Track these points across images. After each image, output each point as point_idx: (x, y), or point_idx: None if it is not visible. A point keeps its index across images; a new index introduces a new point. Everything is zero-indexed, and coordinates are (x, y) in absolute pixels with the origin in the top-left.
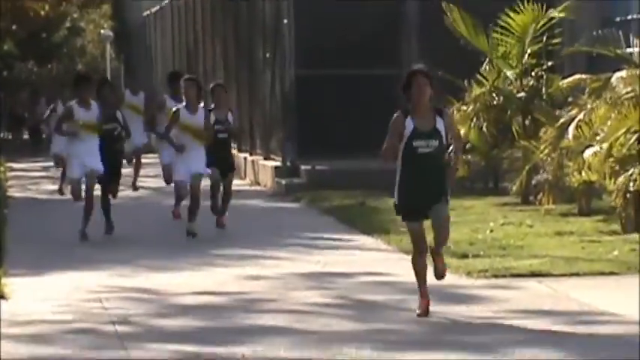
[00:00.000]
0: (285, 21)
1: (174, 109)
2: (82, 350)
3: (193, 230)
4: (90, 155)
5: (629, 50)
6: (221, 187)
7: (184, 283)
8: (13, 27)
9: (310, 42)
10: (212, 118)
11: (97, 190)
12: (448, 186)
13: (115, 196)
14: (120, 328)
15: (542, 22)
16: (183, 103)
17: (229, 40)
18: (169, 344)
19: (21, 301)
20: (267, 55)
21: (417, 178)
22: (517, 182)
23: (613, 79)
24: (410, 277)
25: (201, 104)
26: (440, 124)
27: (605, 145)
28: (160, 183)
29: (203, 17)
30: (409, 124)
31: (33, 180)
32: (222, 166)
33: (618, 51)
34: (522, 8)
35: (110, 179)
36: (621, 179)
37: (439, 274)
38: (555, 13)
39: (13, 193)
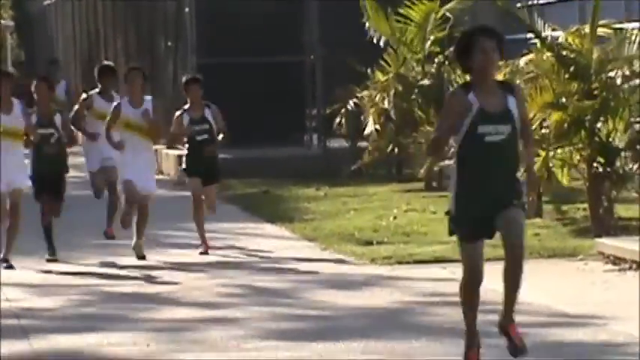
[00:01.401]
0: (187, 9)
1: (114, 103)
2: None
3: (142, 253)
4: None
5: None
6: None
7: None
8: None
9: (212, 30)
10: (186, 118)
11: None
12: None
13: (57, 215)
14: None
15: (440, 13)
16: (125, 98)
17: (130, 29)
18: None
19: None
20: (169, 43)
21: (484, 179)
22: (424, 168)
23: (521, 63)
24: (313, 264)
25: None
26: (512, 104)
27: None
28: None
29: (104, 6)
30: (473, 103)
31: None
32: (206, 174)
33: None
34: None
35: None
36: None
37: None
38: (451, 4)
39: None
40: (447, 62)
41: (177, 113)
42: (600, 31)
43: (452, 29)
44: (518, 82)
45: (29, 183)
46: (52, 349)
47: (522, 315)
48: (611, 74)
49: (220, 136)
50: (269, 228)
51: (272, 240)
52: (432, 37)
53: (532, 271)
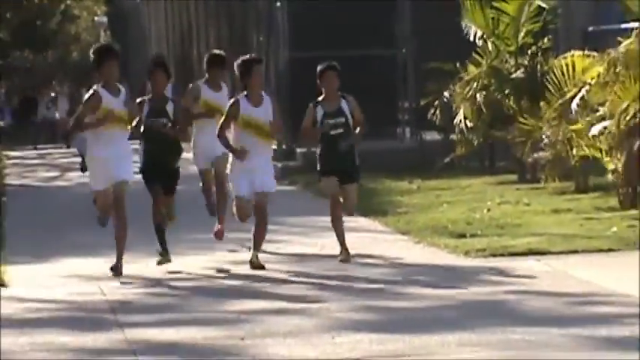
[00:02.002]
0: (278, 4)
1: (232, 100)
2: (80, 336)
3: (260, 264)
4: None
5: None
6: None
7: (183, 268)
8: (7, 15)
9: (304, 24)
10: (320, 111)
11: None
12: None
13: (172, 217)
14: (119, 314)
15: (534, 5)
16: (244, 93)
17: (223, 24)
18: (168, 328)
19: (21, 289)
20: (261, 38)
21: None
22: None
23: (615, 54)
24: (408, 258)
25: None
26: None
27: (610, 121)
28: None
29: (196, 2)
30: None
31: (29, 167)
32: (343, 172)
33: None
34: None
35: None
36: (625, 155)
37: None
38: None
39: (11, 180)
40: (540, 54)
41: (310, 105)
42: None
43: (546, 21)
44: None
45: (134, 176)
46: (145, 340)
47: (617, 306)
48: None
49: (357, 130)
50: (362, 221)
51: (365, 233)
52: (525, 29)
53: (627, 262)
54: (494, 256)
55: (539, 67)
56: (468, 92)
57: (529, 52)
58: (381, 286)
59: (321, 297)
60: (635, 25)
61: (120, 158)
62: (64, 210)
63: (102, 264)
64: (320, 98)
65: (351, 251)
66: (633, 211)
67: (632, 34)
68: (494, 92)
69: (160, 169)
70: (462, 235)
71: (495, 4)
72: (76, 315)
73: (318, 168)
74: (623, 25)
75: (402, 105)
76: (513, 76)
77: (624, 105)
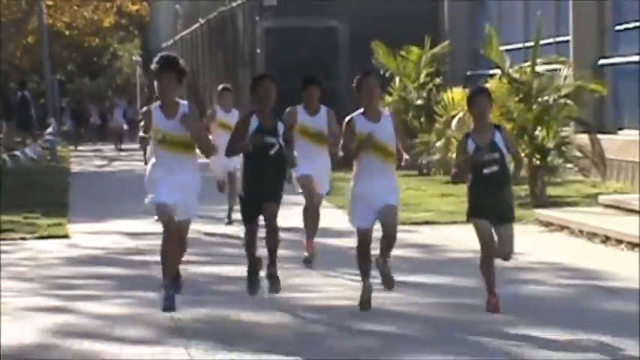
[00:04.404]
0: (258, 50)
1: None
2: (126, 269)
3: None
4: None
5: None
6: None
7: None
8: (74, 54)
9: (278, 63)
10: (471, 145)
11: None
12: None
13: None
14: (149, 257)
15: (430, 54)
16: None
17: (220, 62)
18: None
19: (80, 240)
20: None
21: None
22: (423, 160)
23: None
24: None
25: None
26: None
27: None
28: None
29: (202, 46)
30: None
31: (86, 158)
32: (496, 215)
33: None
34: (413, 50)
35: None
36: None
37: None
38: (436, 50)
39: (73, 167)
40: (434, 89)
41: (461, 137)
42: (538, 68)
43: (437, 65)
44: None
45: (197, 211)
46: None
47: (466, 253)
48: (545, 98)
49: (512, 166)
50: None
51: None
52: (424, 71)
53: None
54: (402, 224)
55: (433, 97)
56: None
57: (426, 87)
58: None
59: None
60: (498, 71)
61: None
62: (111, 187)
63: (137, 224)
64: (470, 129)
65: None
66: None
67: (495, 78)
68: (401, 114)
69: None
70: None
71: (402, 52)
72: (121, 257)
73: (469, 208)
74: (491, 71)
75: None
76: (415, 103)
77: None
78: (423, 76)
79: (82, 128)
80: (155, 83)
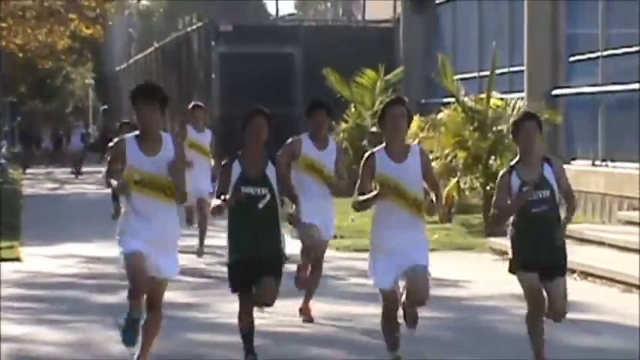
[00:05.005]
0: (213, 75)
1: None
2: (79, 292)
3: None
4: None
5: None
6: None
7: None
8: (26, 76)
9: (231, 88)
10: (516, 181)
11: None
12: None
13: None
14: (103, 281)
15: (383, 82)
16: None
17: (174, 86)
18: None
19: (32, 263)
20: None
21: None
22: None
23: (439, 116)
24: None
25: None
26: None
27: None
28: None
29: (157, 70)
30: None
31: (38, 180)
32: (545, 265)
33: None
34: (368, 74)
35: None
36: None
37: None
38: (390, 76)
39: (25, 189)
40: None
41: (502, 172)
42: (493, 99)
43: (392, 92)
44: (436, 132)
45: (177, 270)
46: None
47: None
48: (500, 127)
49: (563, 212)
50: None
51: None
52: (379, 99)
53: (443, 258)
54: (357, 251)
55: None
56: (342, 140)
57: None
58: None
59: None
60: (452, 99)
61: None
62: (64, 210)
63: (91, 247)
64: (513, 162)
65: None
66: (448, 224)
67: (450, 106)
68: (357, 140)
69: None
70: (335, 237)
71: (357, 79)
72: (69, 280)
73: (511, 256)
74: (445, 100)
75: None
76: (370, 130)
77: (446, 151)
78: (377, 103)
79: (35, 151)
80: (135, 115)
